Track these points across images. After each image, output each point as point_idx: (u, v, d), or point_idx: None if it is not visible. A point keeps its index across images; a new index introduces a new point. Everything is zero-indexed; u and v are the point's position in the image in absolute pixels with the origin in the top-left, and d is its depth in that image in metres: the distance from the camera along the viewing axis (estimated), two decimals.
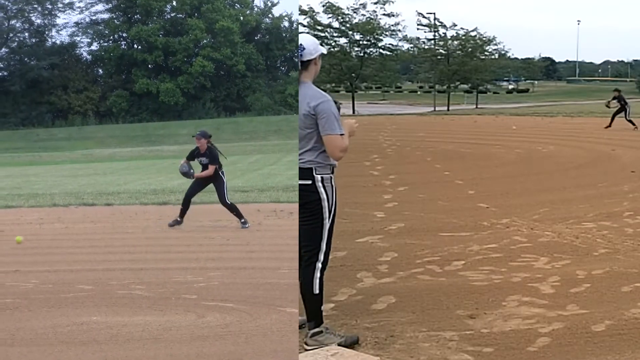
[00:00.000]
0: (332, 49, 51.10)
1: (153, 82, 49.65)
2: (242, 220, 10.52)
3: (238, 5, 53.24)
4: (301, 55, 4.75)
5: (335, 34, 51.92)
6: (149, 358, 4.85)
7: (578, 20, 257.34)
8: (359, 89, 57.64)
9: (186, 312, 5.92)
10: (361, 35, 51.72)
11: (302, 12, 50.27)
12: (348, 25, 51.48)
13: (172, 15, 52.72)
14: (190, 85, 49.25)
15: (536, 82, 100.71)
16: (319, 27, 51.12)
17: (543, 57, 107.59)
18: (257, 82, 51.15)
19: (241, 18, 51.44)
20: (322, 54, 4.87)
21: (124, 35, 52.04)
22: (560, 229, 8.57)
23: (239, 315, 5.77)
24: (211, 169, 10.54)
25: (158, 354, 4.90)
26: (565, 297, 5.89)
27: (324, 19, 51.37)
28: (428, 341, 4.94)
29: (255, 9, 54.15)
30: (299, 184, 4.77)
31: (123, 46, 52.20)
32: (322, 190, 4.73)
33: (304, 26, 50.34)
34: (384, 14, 51.07)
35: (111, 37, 52.70)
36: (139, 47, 51.46)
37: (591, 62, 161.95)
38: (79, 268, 7.89)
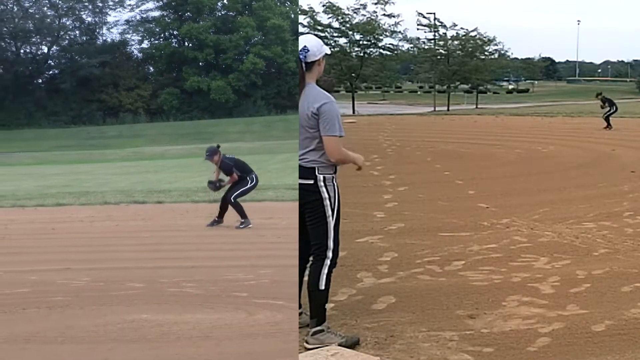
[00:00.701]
0: (332, 49, 51.10)
1: (204, 80, 49.37)
2: (243, 220, 10.47)
3: (289, 3, 53.15)
4: (305, 56, 4.75)
5: (335, 34, 51.92)
6: (199, 356, 4.83)
7: (578, 20, 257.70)
8: (359, 89, 57.63)
9: (237, 309, 5.89)
10: (361, 35, 51.71)
11: (302, 12, 50.31)
12: (348, 25, 51.47)
13: (223, 12, 52.62)
14: (241, 82, 49.05)
15: (536, 82, 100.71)
16: (319, 27, 51.11)
17: (543, 57, 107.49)
18: None
19: (292, 15, 51.34)
20: (326, 54, 4.87)
21: (175, 32, 51.92)
22: (560, 229, 8.57)
23: (290, 313, 5.73)
24: (232, 177, 10.60)
25: (208, 352, 4.88)
26: (565, 297, 5.89)
27: (324, 19, 51.40)
28: (428, 341, 4.94)
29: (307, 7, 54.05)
30: (300, 184, 4.78)
31: (174, 44, 52.14)
32: (323, 190, 4.76)
33: (304, 26, 50.36)
34: (384, 14, 51.09)
35: (162, 35, 52.61)
36: (190, 44, 51.35)
37: (591, 62, 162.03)
38: (129, 266, 7.89)
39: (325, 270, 4.78)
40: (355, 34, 51.72)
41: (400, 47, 54.75)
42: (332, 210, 4.78)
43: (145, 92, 49.90)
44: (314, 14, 50.98)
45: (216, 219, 10.60)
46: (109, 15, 53.15)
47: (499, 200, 10.81)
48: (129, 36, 53.09)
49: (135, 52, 53.85)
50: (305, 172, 4.78)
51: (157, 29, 52.17)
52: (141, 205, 13.46)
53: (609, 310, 5.53)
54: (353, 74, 52.14)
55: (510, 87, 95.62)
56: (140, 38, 53.18)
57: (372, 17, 51.14)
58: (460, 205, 10.39)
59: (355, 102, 51.39)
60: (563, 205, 10.23)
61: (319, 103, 4.70)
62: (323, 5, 50.75)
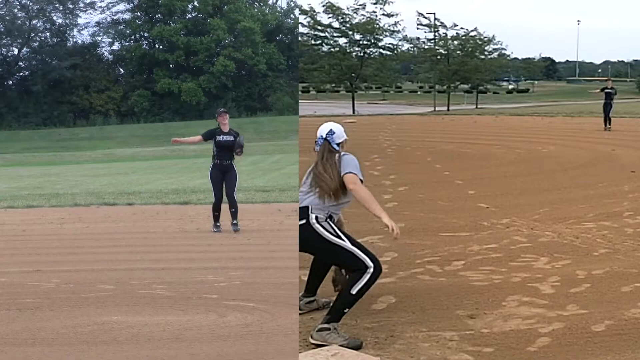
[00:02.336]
0: (332, 49, 51.08)
1: (175, 82, 49.60)
2: (234, 222, 10.30)
3: (259, 5, 53.25)
4: (332, 139, 5.24)
5: (335, 34, 51.80)
6: (170, 357, 4.86)
7: (578, 20, 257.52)
8: (359, 89, 57.55)
9: (207, 311, 5.93)
10: (361, 35, 51.65)
11: (302, 12, 50.21)
12: (348, 25, 51.41)
13: (194, 15, 52.77)
14: (212, 84, 49.26)
15: (536, 82, 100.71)
16: (319, 27, 51.05)
17: (543, 57, 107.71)
18: (278, 82, 51.24)
19: (262, 18, 51.43)
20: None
21: (146, 35, 52.08)
22: (560, 229, 8.57)
23: (260, 314, 5.78)
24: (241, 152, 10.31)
25: (179, 354, 4.91)
26: (565, 297, 5.90)
27: (324, 19, 51.33)
28: (428, 341, 4.95)
29: (278, 8, 54.21)
30: (299, 225, 5.07)
31: (145, 46, 52.28)
32: (317, 226, 4.98)
33: (304, 26, 50.34)
34: (383, 14, 51.05)
35: (133, 37, 52.75)
36: (161, 46, 51.53)
37: (591, 62, 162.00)
38: (100, 268, 7.91)
39: (366, 278, 4.87)
40: (355, 33, 51.68)
41: (400, 47, 54.71)
42: (339, 237, 4.96)
43: (116, 94, 50.02)
44: (314, 14, 50.95)
45: (217, 224, 10.35)
46: (80, 17, 53.58)
47: (499, 200, 10.81)
48: (99, 38, 53.33)
49: (106, 54, 54.06)
50: (300, 212, 5.06)
51: (128, 31, 52.28)
52: (112, 207, 13.47)
53: (609, 310, 5.53)
54: (353, 74, 52.07)
55: (510, 87, 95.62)
56: (111, 40, 53.40)
57: (372, 17, 51.12)
58: (460, 205, 10.39)
59: (355, 102, 51.30)
60: (563, 205, 10.23)
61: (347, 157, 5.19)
62: (323, 5, 50.72)
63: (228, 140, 10.24)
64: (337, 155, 5.20)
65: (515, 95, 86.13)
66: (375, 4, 50.65)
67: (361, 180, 5.07)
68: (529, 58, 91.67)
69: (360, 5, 50.70)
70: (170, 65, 51.33)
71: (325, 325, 4.84)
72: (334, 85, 54.33)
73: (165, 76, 49.94)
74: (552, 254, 7.33)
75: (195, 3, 51.96)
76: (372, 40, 52.11)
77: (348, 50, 52.44)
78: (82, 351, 4.99)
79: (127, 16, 52.53)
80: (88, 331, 5.44)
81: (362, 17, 51.04)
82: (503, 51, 59.20)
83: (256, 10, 52.20)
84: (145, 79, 51.38)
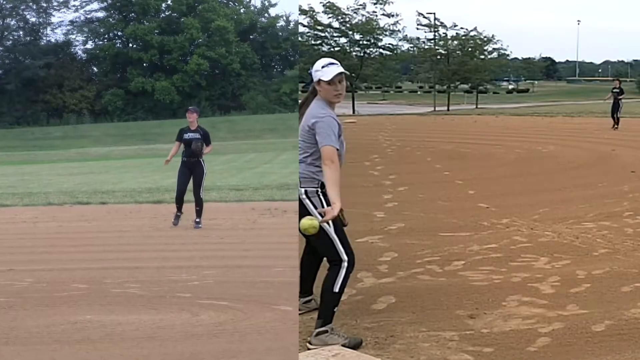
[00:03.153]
0: (332, 49, 51.06)
1: (148, 81, 49.73)
2: (197, 220, 10.48)
3: (233, 4, 53.27)
4: (315, 75, 4.85)
5: (335, 34, 51.88)
6: (143, 357, 4.86)
7: (578, 20, 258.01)
8: (359, 89, 57.59)
9: (180, 310, 5.93)
10: (361, 35, 51.69)
11: (302, 12, 50.25)
12: (348, 25, 51.45)
13: (168, 14, 52.80)
14: (186, 83, 49.41)
15: (536, 82, 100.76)
16: (319, 27, 51.08)
17: (543, 57, 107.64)
18: (252, 81, 51.26)
19: (236, 17, 51.46)
20: (324, 81, 4.81)
21: (120, 33, 52.16)
22: (560, 229, 8.57)
23: (234, 313, 5.78)
24: (210, 147, 10.58)
25: (152, 353, 4.91)
26: (565, 297, 5.89)
27: (324, 19, 51.37)
28: (428, 341, 4.95)
29: (252, 7, 54.19)
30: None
31: (118, 45, 52.33)
32: (307, 202, 4.82)
33: (304, 26, 50.35)
34: (383, 14, 51.07)
35: (106, 36, 52.78)
36: (135, 45, 51.57)
37: (591, 62, 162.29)
38: (73, 267, 7.90)
39: (342, 273, 4.81)
40: (355, 33, 51.71)
41: (400, 47, 54.78)
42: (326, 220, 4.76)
43: (89, 92, 50.06)
44: (314, 14, 50.98)
45: (178, 213, 10.60)
46: (53, 15, 53.27)
47: (499, 200, 10.81)
48: (73, 37, 53.33)
49: (80, 52, 54.03)
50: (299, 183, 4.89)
51: (102, 30, 52.33)
52: (85, 206, 13.45)
53: (609, 310, 5.53)
54: (353, 74, 52.06)
55: (510, 87, 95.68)
56: (84, 39, 53.39)
57: (372, 17, 51.14)
58: (460, 205, 10.39)
59: (355, 102, 51.33)
60: (563, 205, 10.23)
61: (315, 119, 4.75)
62: (323, 6, 50.75)
63: (194, 138, 10.45)
64: (313, 101, 4.86)
65: (515, 95, 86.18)
66: (375, 4, 50.74)
67: (338, 150, 4.72)
68: (529, 58, 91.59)
69: (360, 5, 50.79)
70: (144, 64, 51.41)
71: (322, 329, 4.82)
72: None
73: (138, 75, 50.05)
74: (552, 254, 7.32)
75: (169, 2, 52.08)
76: (372, 40, 52.16)
77: (348, 50, 52.48)
78: (55, 350, 4.99)
79: (100, 15, 52.68)
80: (61, 330, 5.44)
81: (362, 17, 51.13)
82: (503, 51, 59.32)
83: (230, 9, 52.12)
84: (118, 78, 51.45)
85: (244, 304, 6.04)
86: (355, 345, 4.79)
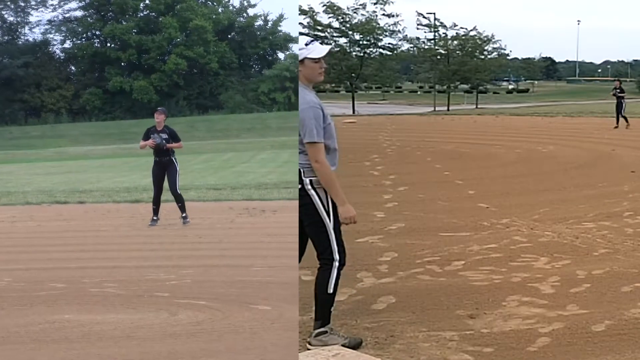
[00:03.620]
0: (332, 49, 51.04)
1: (126, 80, 49.66)
2: (184, 215, 10.66)
3: (212, 4, 53.27)
4: (301, 52, 4.69)
5: (335, 34, 51.89)
6: (121, 356, 4.86)
7: (578, 20, 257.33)
8: (359, 89, 57.61)
9: (159, 310, 5.94)
10: (361, 35, 51.68)
11: (302, 12, 50.26)
12: (348, 25, 51.45)
13: (146, 13, 52.74)
14: (164, 83, 49.39)
15: (536, 82, 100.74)
16: (319, 27, 51.09)
17: (543, 57, 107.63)
18: (230, 80, 51.25)
19: (214, 17, 51.46)
20: (311, 59, 4.68)
21: (98, 33, 52.03)
22: (560, 229, 8.57)
23: (212, 312, 5.79)
24: (180, 143, 10.81)
25: (130, 352, 4.92)
26: (565, 297, 5.89)
27: (324, 19, 51.38)
28: (428, 341, 4.95)
29: (231, 7, 54.15)
30: (299, 188, 4.77)
31: (96, 44, 52.20)
32: (312, 193, 4.69)
33: (304, 26, 50.34)
34: (383, 14, 51.07)
35: (84, 35, 52.60)
36: (113, 45, 51.48)
37: (591, 62, 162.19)
38: (51, 266, 7.93)
39: (334, 273, 4.76)
40: (355, 33, 51.70)
41: (400, 47, 54.76)
42: (328, 213, 4.71)
43: (67, 92, 49.87)
44: (314, 14, 50.98)
45: (154, 217, 10.72)
46: (31, 14, 52.85)
47: (499, 200, 10.81)
48: (51, 36, 53.04)
49: (58, 52, 53.82)
50: (299, 174, 4.75)
51: (80, 29, 52.13)
52: (63, 205, 13.49)
53: (609, 310, 5.52)
54: (353, 74, 52.12)
55: (510, 87, 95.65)
56: (62, 38, 53.18)
57: (372, 17, 51.14)
58: (460, 205, 10.39)
59: (355, 102, 51.35)
60: (563, 205, 10.23)
61: (300, 109, 4.64)
62: (323, 5, 50.76)
63: (163, 138, 10.69)
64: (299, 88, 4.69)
65: (515, 95, 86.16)
66: (375, 4, 50.74)
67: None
68: (529, 58, 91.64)
69: (360, 5, 50.79)
70: (122, 64, 51.34)
71: (322, 329, 4.81)
72: (334, 85, 54.36)
73: (117, 74, 49.92)
74: (552, 254, 7.32)
75: (147, 1, 51.90)
76: (372, 40, 52.15)
77: (348, 50, 52.49)
78: (33, 349, 5.00)
79: (79, 14, 52.45)
80: (39, 330, 5.45)
81: (362, 17, 51.13)
82: (503, 51, 59.33)
83: (209, 9, 52.09)
84: (97, 77, 51.26)
85: (222, 304, 6.05)
86: (355, 345, 4.79)
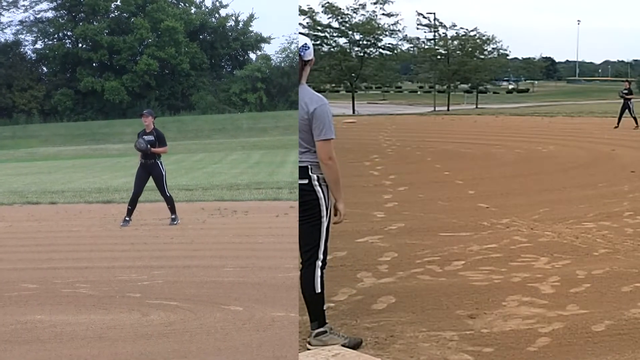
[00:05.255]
0: (332, 49, 51.06)
1: (98, 81, 49.66)
2: (173, 217, 10.70)
3: (184, 5, 53.28)
4: (304, 53, 4.74)
5: (335, 34, 51.82)
6: (92, 357, 4.87)
7: (578, 20, 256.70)
8: (359, 89, 57.62)
9: (130, 310, 5.95)
10: (361, 35, 51.67)
11: (302, 12, 50.21)
12: (348, 25, 51.43)
13: (117, 14, 52.72)
14: (135, 83, 49.36)
15: (536, 82, 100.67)
16: (319, 27, 51.05)
17: (543, 57, 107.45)
18: (201, 81, 51.24)
19: (186, 17, 51.48)
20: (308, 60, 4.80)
21: (69, 33, 51.97)
22: (560, 229, 8.57)
23: (183, 313, 5.80)
24: (166, 148, 10.93)
25: (102, 353, 4.92)
26: (565, 297, 5.89)
27: (323, 19, 51.34)
28: (428, 341, 4.95)
29: (203, 7, 54.08)
30: (299, 184, 4.77)
31: (68, 45, 52.08)
32: (319, 189, 4.72)
33: (304, 26, 50.31)
34: (383, 14, 51.07)
35: (56, 36, 52.48)
36: (84, 45, 51.41)
37: (591, 62, 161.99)
38: (23, 267, 7.93)
39: (318, 273, 4.76)
40: (354, 33, 51.70)
41: (400, 47, 54.76)
42: (327, 211, 4.76)
43: (39, 92, 49.69)
44: (314, 14, 50.96)
45: (127, 218, 10.74)
46: (2, 15, 52.56)
47: (499, 200, 10.81)
48: (22, 37, 52.74)
49: (29, 52, 53.50)
50: (301, 171, 4.75)
51: (51, 30, 52.00)
52: (35, 205, 13.48)
53: (609, 310, 5.53)
54: (353, 74, 52.10)
55: (510, 87, 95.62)
56: (34, 38, 52.89)
57: (372, 17, 51.14)
58: (460, 205, 10.39)
59: (355, 102, 51.34)
60: (563, 205, 10.23)
61: (314, 106, 4.67)
62: (323, 6, 50.73)
63: (148, 141, 10.77)
64: (302, 86, 4.75)
65: (515, 95, 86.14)
66: (375, 4, 50.71)
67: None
68: (529, 58, 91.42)
69: (360, 5, 50.78)
70: (94, 64, 51.28)
71: (321, 329, 4.81)
72: (334, 85, 54.33)
73: (88, 75, 49.90)
74: (552, 254, 7.32)
75: (118, 2, 51.80)
76: (372, 40, 52.13)
77: (348, 50, 52.47)
78: (5, 350, 5.00)
79: (50, 15, 52.27)
80: (11, 330, 5.45)
81: (362, 17, 51.12)
82: (503, 51, 59.31)
83: (180, 9, 52.11)
84: (68, 78, 51.16)
85: (194, 304, 6.05)
86: (355, 345, 4.79)
